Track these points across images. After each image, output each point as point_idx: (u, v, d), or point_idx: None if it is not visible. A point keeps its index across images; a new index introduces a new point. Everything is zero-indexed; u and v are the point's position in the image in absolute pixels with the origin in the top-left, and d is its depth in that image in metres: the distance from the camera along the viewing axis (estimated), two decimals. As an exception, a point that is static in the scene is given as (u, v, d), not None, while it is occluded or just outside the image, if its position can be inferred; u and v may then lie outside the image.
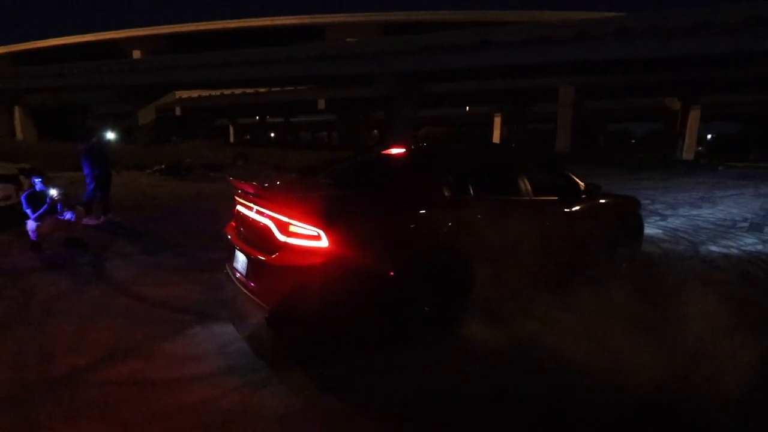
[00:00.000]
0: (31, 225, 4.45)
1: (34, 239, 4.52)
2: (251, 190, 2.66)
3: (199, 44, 41.95)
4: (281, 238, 2.39)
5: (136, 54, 46.63)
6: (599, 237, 3.73)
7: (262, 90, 42.71)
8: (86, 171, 6.18)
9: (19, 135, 39.27)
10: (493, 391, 2.17)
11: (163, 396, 2.09)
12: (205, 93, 45.46)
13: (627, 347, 2.42)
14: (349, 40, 35.09)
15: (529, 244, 3.05)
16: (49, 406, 1.98)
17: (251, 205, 2.68)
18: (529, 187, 3.21)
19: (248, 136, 64.18)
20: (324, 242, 2.28)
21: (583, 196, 3.66)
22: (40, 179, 4.57)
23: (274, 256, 2.42)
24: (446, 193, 2.78)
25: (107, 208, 6.34)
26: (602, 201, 4.03)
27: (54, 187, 4.59)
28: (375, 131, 58.99)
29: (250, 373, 2.31)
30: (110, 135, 6.35)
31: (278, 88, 41.87)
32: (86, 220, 5.97)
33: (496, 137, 46.70)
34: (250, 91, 43.25)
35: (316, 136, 70.71)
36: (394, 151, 3.36)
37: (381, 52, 25.30)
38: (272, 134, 64.54)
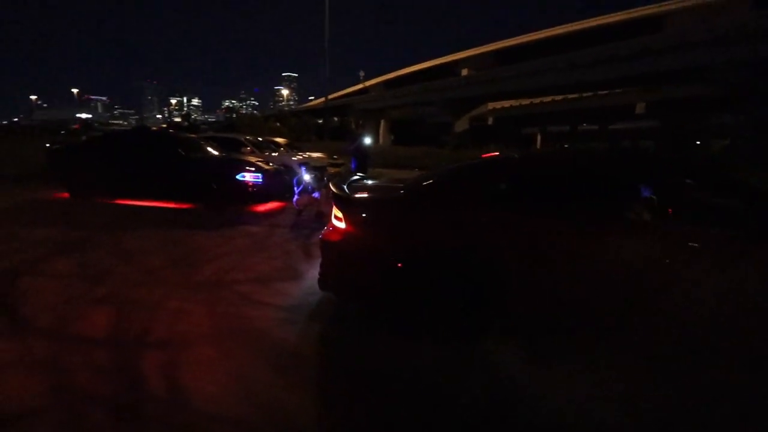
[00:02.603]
0: (294, 198, 6.75)
1: (297, 208, 6.82)
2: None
3: (522, 56, 44.09)
4: (333, 220, 3.04)
5: (465, 72, 53.96)
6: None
7: (571, 96, 40.95)
8: (352, 166, 8.45)
9: (380, 141, 53.39)
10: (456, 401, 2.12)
11: (242, 308, 3.16)
12: (515, 103, 47.75)
13: None
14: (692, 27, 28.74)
15: (603, 276, 2.43)
16: (195, 295, 3.40)
17: None
18: (622, 206, 2.49)
19: (559, 145, 62.70)
20: (344, 224, 2.78)
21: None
22: (305, 168, 6.82)
23: (326, 232, 3.09)
24: (482, 203, 2.64)
25: (359, 195, 8.46)
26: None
27: (310, 174, 6.75)
28: (726, 141, 45.53)
29: (294, 313, 3.09)
30: (368, 140, 8.34)
31: (590, 93, 39.09)
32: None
33: None
34: (558, 98, 42.32)
35: (637, 146, 61.18)
36: (484, 156, 3.28)
37: (717, 38, 19.63)
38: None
